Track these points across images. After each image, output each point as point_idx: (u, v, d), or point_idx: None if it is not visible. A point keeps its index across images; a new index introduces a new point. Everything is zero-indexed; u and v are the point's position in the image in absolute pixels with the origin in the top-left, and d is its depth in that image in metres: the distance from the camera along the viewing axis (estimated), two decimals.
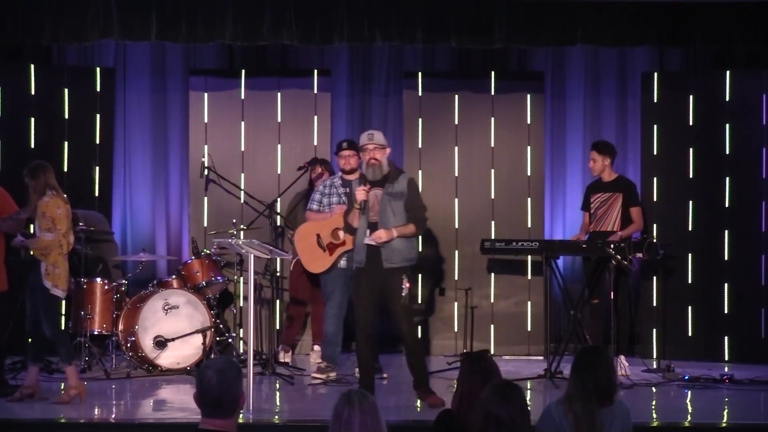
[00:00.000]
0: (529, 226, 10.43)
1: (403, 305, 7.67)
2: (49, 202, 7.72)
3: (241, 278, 9.70)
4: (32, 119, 10.01)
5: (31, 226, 8.33)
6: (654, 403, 8.12)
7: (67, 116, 10.14)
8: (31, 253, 7.91)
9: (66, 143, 10.08)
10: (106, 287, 9.17)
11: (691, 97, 10.17)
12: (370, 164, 7.69)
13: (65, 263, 7.80)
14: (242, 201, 10.16)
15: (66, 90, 10.14)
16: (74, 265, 8.88)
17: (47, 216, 7.70)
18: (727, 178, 10.05)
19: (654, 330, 10.16)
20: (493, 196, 10.48)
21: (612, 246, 8.56)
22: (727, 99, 10.08)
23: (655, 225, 9.96)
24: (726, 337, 9.99)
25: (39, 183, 7.74)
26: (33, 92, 10.04)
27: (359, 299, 7.78)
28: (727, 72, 10.12)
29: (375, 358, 8.25)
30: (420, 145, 10.51)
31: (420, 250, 10.42)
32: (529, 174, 10.50)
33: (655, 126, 10.30)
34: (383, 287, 7.66)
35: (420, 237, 10.34)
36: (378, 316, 7.79)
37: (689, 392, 8.46)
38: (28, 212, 7.83)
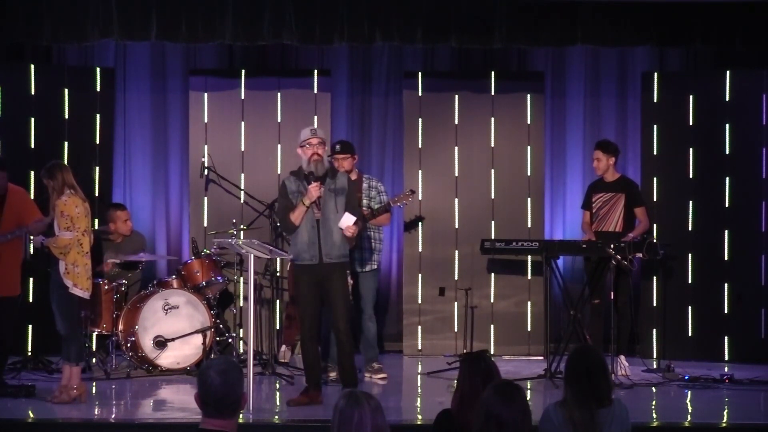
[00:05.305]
0: (529, 226, 10.42)
1: (345, 303, 7.68)
2: (67, 201, 7.72)
3: (241, 278, 9.70)
4: (32, 119, 9.99)
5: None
6: (654, 403, 8.13)
7: (67, 116, 10.12)
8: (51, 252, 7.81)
9: (66, 143, 10.06)
10: (106, 287, 9.16)
11: (691, 97, 10.17)
12: (314, 160, 7.68)
13: (86, 262, 7.77)
14: (242, 201, 10.17)
15: (66, 90, 10.12)
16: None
17: (65, 215, 7.69)
18: (727, 178, 10.05)
19: (654, 330, 10.16)
20: (493, 196, 10.47)
21: (612, 246, 8.56)
22: (727, 99, 10.07)
23: (655, 225, 9.95)
24: (726, 337, 9.98)
25: (57, 182, 7.75)
26: (33, 92, 10.02)
27: (303, 298, 7.76)
28: (727, 72, 10.11)
29: (320, 356, 8.21)
30: (420, 145, 10.49)
31: (420, 249, 10.45)
32: (529, 174, 10.49)
33: (655, 126, 10.29)
34: (323, 283, 7.66)
35: (420, 236, 10.39)
36: (320, 314, 7.76)
37: (689, 392, 8.46)
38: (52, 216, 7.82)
